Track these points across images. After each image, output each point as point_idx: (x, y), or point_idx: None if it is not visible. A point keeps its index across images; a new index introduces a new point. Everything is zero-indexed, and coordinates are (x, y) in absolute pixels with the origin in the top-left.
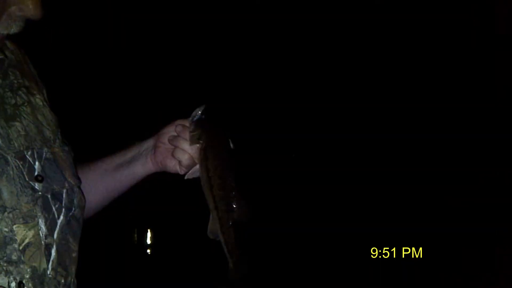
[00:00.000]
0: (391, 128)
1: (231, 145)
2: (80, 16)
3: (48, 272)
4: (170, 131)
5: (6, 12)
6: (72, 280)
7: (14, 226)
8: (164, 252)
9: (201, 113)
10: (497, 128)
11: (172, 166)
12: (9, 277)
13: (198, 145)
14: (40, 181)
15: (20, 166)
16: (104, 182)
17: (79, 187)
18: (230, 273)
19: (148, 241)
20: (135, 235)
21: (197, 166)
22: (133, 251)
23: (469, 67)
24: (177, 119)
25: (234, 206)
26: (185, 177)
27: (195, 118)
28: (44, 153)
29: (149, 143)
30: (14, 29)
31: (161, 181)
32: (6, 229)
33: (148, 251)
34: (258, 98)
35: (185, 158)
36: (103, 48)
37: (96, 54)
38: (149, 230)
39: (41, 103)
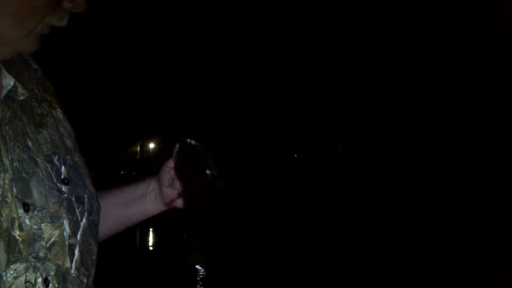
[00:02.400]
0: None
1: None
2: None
3: (72, 271)
4: (166, 175)
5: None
6: (92, 281)
7: (42, 225)
8: (165, 252)
9: (177, 148)
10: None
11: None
12: (36, 273)
13: None
14: (66, 184)
15: (49, 168)
16: (114, 214)
17: (96, 196)
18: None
19: (150, 242)
20: (137, 235)
21: None
22: (134, 251)
23: (468, 67)
24: (165, 162)
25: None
26: None
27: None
28: (68, 160)
29: (154, 184)
30: (64, 22)
31: None
32: (35, 227)
33: (150, 250)
34: (257, 98)
35: None
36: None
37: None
38: (151, 231)
39: (61, 116)
